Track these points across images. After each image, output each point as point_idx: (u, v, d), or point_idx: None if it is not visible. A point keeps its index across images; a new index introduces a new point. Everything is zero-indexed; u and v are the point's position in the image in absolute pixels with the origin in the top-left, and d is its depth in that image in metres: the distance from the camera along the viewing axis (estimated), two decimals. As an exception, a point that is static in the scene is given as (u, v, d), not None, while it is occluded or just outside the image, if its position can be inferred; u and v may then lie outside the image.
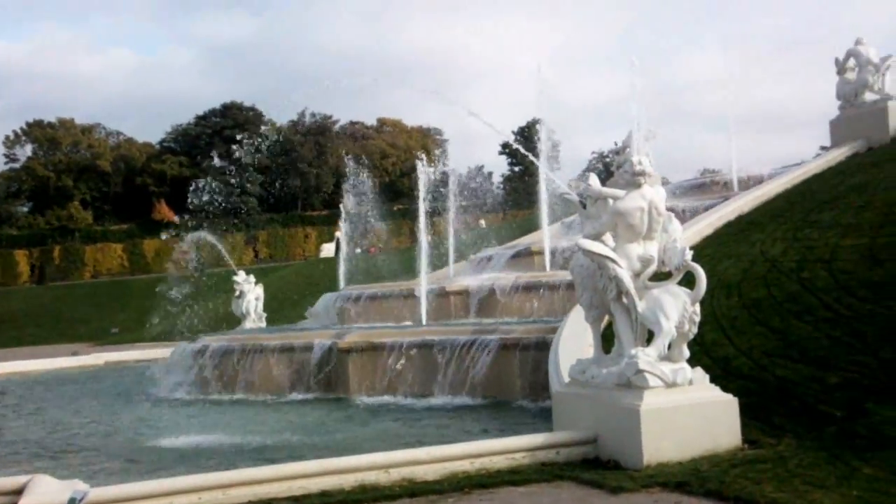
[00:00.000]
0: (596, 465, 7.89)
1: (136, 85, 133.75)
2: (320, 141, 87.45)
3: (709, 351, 10.22)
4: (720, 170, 29.65)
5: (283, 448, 10.21)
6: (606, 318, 8.86)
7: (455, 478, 7.59)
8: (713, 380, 8.23)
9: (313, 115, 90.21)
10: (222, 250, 26.33)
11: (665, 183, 25.71)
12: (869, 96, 22.35)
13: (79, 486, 7.07)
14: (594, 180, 8.58)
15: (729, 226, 17.34)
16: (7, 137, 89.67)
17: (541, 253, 19.89)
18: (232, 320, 24.09)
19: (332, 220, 67.36)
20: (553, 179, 18.43)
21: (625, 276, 8.05)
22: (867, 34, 22.89)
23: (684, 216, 19.37)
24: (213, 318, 27.50)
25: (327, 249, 61.93)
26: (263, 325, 23.29)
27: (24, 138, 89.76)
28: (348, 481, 7.48)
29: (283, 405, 14.16)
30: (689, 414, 7.76)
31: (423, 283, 18.16)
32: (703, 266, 8.16)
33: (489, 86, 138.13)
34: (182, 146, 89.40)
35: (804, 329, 10.12)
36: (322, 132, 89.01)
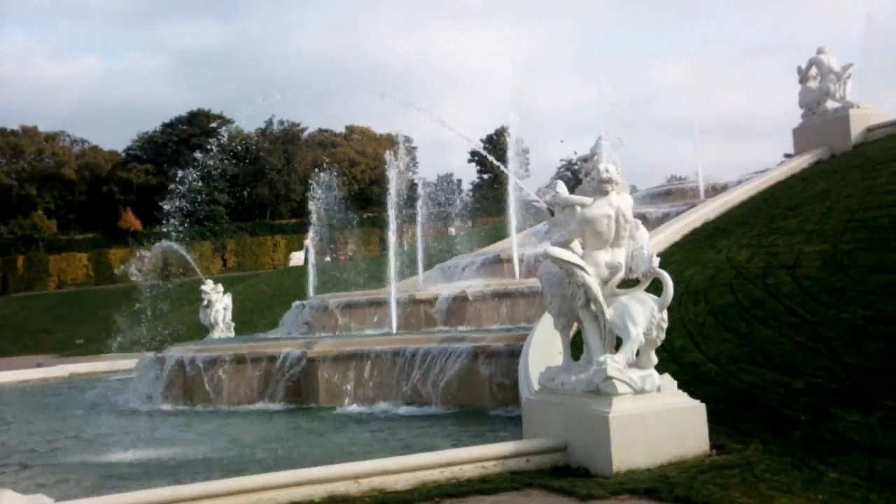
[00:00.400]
0: (566, 472, 7.90)
1: (102, 92, 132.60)
2: (289, 149, 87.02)
3: (676, 357, 10.30)
4: (687, 177, 30.01)
5: (248, 459, 10.11)
6: (575, 325, 8.89)
7: (425, 487, 7.57)
8: (681, 386, 8.29)
9: (281, 122, 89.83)
10: (190, 259, 26.11)
11: (634, 190, 26.07)
12: (831, 105, 22.71)
13: (43, 500, 6.94)
14: (562, 188, 8.63)
15: (695, 232, 17.51)
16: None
17: (510, 260, 19.96)
18: (200, 330, 23.87)
19: (301, 229, 66.96)
20: (521, 187, 18.53)
21: (593, 283, 8.10)
22: (829, 43, 23.27)
23: (652, 223, 19.57)
24: (182, 328, 27.23)
25: (297, 258, 61.58)
26: (232, 334, 23.12)
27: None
28: (318, 492, 7.42)
29: (252, 415, 14.03)
30: (658, 420, 7.81)
31: (393, 292, 18.14)
32: (670, 273, 8.23)
33: (461, 94, 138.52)
34: (148, 154, 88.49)
35: (770, 335, 10.24)
36: (290, 140, 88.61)
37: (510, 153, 21.21)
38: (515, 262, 19.69)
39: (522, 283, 17.29)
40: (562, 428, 8.28)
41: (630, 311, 7.98)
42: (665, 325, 8.08)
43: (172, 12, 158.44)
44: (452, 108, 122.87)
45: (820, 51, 23.21)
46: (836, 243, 12.71)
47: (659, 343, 8.13)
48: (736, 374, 9.55)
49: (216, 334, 22.85)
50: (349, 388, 14.16)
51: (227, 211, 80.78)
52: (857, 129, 21.70)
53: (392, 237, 20.18)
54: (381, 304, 18.41)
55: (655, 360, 8.19)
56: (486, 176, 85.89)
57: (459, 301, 17.49)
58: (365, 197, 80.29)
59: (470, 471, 7.88)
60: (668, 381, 8.13)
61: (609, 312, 8.08)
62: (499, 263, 20.38)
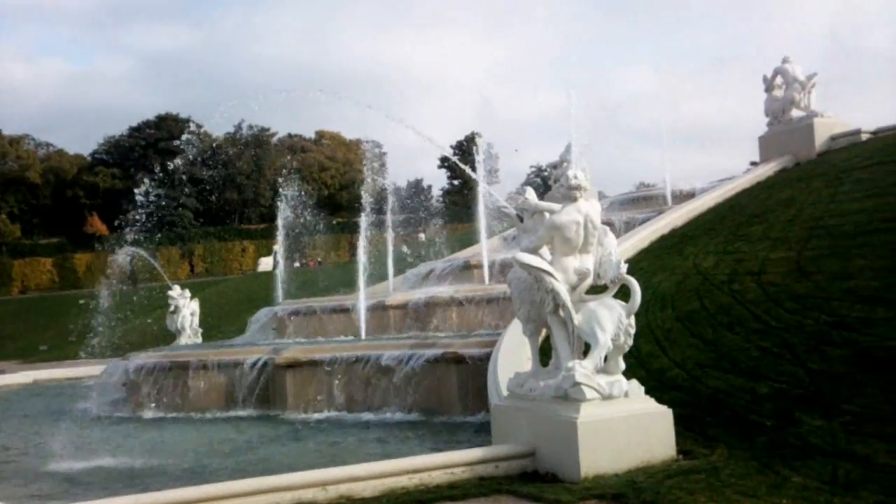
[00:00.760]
0: (534, 478, 7.91)
1: (68, 95, 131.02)
2: (258, 153, 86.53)
3: (644, 363, 10.37)
4: (655, 184, 30.27)
5: (213, 467, 9.98)
6: (544, 331, 8.92)
7: (394, 494, 7.54)
8: (648, 391, 8.34)
9: (251, 127, 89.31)
10: (156, 265, 25.83)
11: (602, 197, 26.25)
12: (796, 113, 23.07)
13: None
14: (531, 194, 8.66)
15: (663, 239, 17.66)
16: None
17: (480, 266, 19.95)
18: (167, 336, 23.60)
19: (270, 234, 66.48)
20: (491, 193, 18.57)
21: (561, 289, 8.12)
22: (793, 53, 23.69)
23: (621, 230, 19.71)
24: (148, 334, 26.91)
25: (265, 263, 61.26)
26: (199, 340, 22.89)
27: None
28: (285, 499, 7.35)
29: (219, 422, 13.88)
30: (626, 426, 7.84)
31: (362, 298, 18.05)
32: (638, 279, 8.28)
33: (432, 100, 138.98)
34: (115, 158, 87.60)
35: (735, 340, 10.34)
36: (260, 144, 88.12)
37: (479, 159, 21.25)
38: (485, 267, 19.70)
39: (492, 289, 17.29)
40: (530, 433, 8.29)
41: (598, 317, 8.01)
42: (633, 331, 8.12)
43: (140, 16, 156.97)
44: (424, 113, 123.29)
45: (785, 60, 23.59)
46: (801, 250, 12.87)
47: (627, 349, 8.18)
48: (702, 379, 9.63)
49: (183, 340, 22.62)
50: (317, 394, 14.06)
51: (195, 216, 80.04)
52: (821, 138, 22.06)
53: (362, 242, 20.09)
54: (351, 309, 18.32)
55: (623, 365, 8.24)
56: (456, 182, 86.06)
57: (429, 307, 17.44)
58: (335, 202, 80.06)
59: (438, 477, 7.85)
60: (635, 386, 8.17)
61: (577, 318, 8.11)
62: (468, 269, 20.37)
